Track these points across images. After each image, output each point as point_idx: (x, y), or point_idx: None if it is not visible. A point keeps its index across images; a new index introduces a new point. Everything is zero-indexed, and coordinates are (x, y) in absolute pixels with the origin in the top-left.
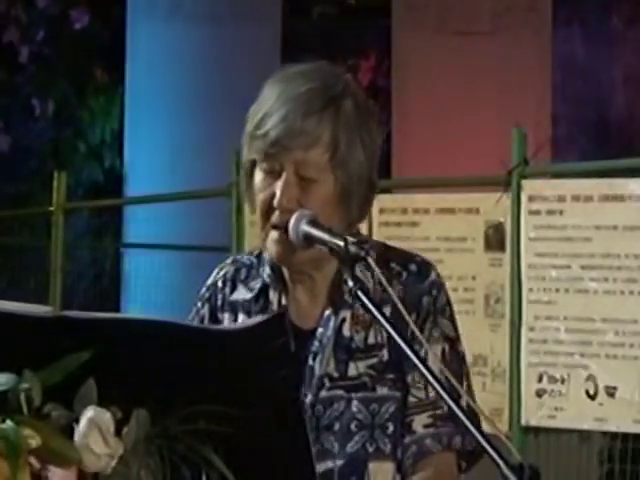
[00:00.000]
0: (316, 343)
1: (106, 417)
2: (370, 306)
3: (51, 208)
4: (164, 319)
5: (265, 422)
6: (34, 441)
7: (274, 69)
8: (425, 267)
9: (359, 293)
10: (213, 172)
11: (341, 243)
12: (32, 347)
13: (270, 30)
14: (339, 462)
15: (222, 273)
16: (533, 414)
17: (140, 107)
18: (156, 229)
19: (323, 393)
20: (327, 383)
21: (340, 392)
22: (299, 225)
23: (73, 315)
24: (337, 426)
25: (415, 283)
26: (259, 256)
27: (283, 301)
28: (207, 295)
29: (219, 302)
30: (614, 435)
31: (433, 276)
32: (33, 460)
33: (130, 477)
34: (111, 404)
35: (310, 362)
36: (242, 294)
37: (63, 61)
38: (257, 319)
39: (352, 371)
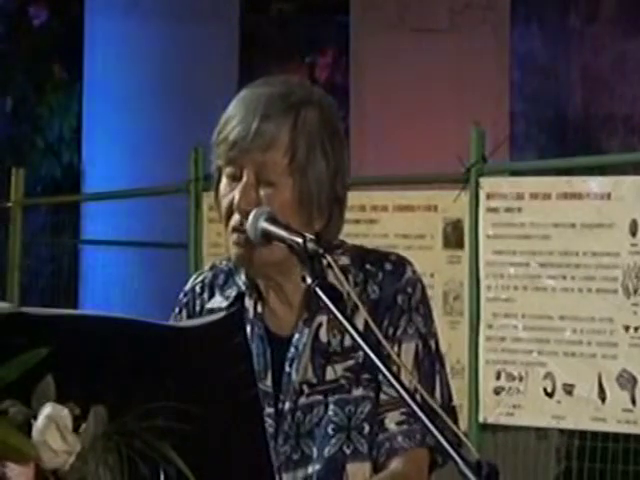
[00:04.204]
0: (292, 350)
1: (64, 414)
2: (329, 303)
3: (9, 204)
4: (122, 316)
5: (223, 419)
6: None
7: (232, 66)
8: (401, 265)
9: (317, 290)
10: (171, 169)
11: (299, 240)
12: None
13: (228, 27)
14: (317, 466)
15: (200, 279)
16: (491, 411)
17: (98, 104)
18: (114, 226)
19: (302, 400)
20: (306, 389)
21: (319, 397)
22: (257, 222)
23: (31, 312)
24: (317, 431)
25: (391, 282)
26: None
27: (259, 309)
28: (185, 300)
29: (197, 308)
30: (572, 433)
31: (409, 273)
32: None
33: (88, 473)
34: (69, 401)
35: (287, 369)
36: (218, 302)
37: (21, 57)
38: (214, 317)
39: (330, 375)
